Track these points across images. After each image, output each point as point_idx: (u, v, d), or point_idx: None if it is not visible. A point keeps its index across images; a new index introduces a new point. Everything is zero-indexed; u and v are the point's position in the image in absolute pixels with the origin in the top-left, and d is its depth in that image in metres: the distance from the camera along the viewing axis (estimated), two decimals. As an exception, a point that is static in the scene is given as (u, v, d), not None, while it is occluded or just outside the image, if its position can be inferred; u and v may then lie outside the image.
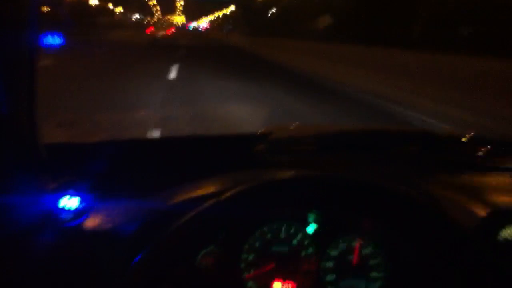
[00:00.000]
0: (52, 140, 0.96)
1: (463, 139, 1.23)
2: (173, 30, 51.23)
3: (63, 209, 0.82)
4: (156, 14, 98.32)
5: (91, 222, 0.82)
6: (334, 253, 0.94)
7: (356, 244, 0.94)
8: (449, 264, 0.83)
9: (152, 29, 41.68)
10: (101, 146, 1.12)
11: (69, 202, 0.83)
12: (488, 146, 1.19)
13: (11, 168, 0.78)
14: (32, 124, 0.80)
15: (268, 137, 1.14)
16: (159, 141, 1.18)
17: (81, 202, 0.83)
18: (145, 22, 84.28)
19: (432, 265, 0.87)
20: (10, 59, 0.75)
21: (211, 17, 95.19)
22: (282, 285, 0.92)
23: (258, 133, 1.18)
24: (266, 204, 0.89)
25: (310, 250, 0.93)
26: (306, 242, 0.94)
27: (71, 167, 0.91)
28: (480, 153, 1.17)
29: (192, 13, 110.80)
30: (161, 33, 37.08)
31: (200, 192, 0.87)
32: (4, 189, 0.76)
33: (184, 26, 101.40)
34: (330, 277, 0.93)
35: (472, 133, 1.23)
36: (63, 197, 0.83)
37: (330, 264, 0.93)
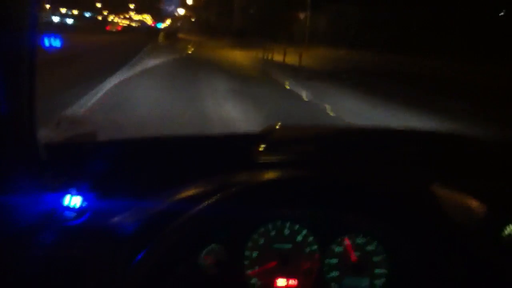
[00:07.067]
0: (52, 140, 0.96)
1: (466, 140, 1.23)
2: (118, 28, 57.88)
3: (64, 209, 0.82)
4: (106, 12, 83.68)
5: (92, 221, 0.82)
6: (336, 250, 0.94)
7: (358, 241, 0.94)
8: (450, 262, 0.83)
9: (108, 27, 53.26)
10: (101, 145, 1.12)
11: (70, 202, 0.83)
12: (490, 147, 1.19)
13: (11, 168, 0.78)
14: (32, 123, 0.80)
15: (267, 137, 1.14)
16: (159, 141, 1.18)
17: (81, 202, 0.83)
18: (100, 19, 70.55)
19: (434, 263, 0.87)
20: (9, 59, 0.75)
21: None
22: (286, 282, 0.93)
23: (257, 133, 1.18)
24: (265, 204, 0.89)
25: (312, 247, 0.94)
26: (308, 240, 0.94)
27: (72, 167, 0.91)
28: (481, 153, 1.17)
29: (150, 9, 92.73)
30: (114, 29, 49.33)
31: (199, 191, 0.87)
32: (4, 188, 0.76)
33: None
34: (333, 274, 0.94)
35: (475, 134, 1.23)
36: (64, 197, 0.83)
37: (332, 262, 0.94)
